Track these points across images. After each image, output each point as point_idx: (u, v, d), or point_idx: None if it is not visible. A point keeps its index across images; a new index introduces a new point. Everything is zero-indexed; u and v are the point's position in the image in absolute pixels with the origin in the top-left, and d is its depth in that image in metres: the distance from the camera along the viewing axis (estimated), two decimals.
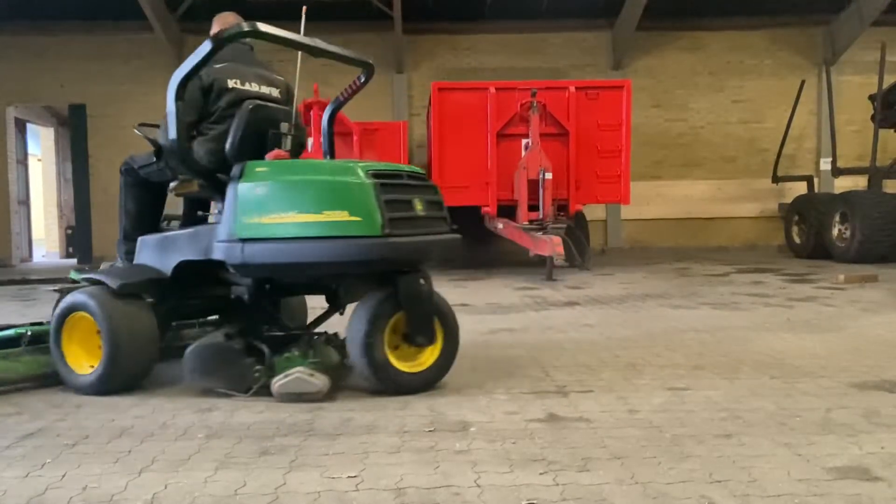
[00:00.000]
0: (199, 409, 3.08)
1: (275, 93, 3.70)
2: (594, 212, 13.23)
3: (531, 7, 13.55)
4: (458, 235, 3.58)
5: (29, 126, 15.75)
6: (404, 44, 13.64)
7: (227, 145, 3.36)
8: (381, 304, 3.22)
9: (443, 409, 3.06)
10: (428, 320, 3.30)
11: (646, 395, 3.24)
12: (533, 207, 9.33)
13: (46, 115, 16.09)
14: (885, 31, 12.99)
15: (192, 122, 3.45)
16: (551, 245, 8.32)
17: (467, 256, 10.61)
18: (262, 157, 3.38)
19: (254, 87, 3.58)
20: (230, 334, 3.32)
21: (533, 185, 9.29)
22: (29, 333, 3.64)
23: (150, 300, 3.51)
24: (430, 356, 3.37)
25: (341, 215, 3.04)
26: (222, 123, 3.43)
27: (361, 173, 3.11)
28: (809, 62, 14.35)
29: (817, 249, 11.23)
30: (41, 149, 17.19)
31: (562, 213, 9.63)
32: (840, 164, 12.22)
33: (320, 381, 3.12)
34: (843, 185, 12.67)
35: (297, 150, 3.77)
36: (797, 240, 12.00)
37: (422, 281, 3.27)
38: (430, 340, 3.32)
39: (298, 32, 3.44)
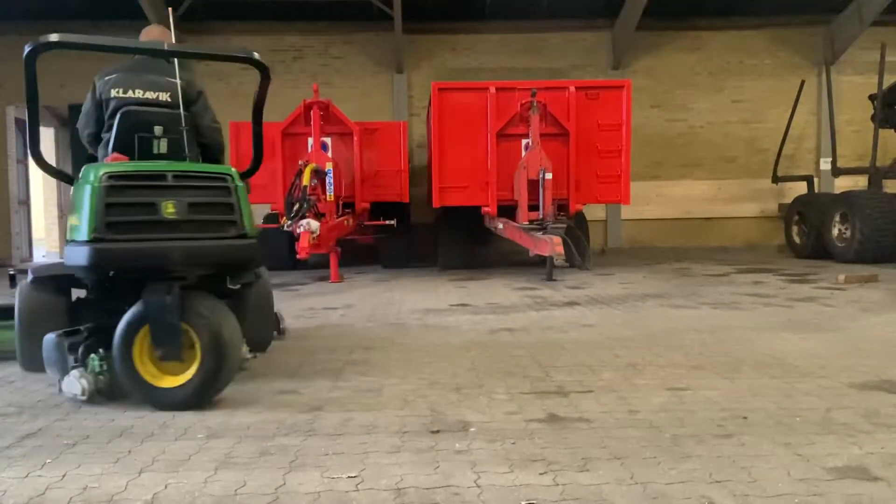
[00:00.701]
0: (199, 409, 3.08)
1: (163, 97, 3.72)
2: (594, 212, 13.22)
3: (531, 7, 13.53)
4: (245, 241, 3.30)
5: None
6: (404, 44, 13.61)
7: (108, 151, 3.51)
8: (133, 313, 3.11)
9: (443, 409, 3.06)
10: (169, 333, 3.09)
11: (646, 395, 3.24)
12: (533, 207, 9.31)
13: (46, 115, 16.05)
14: (885, 31, 12.98)
15: (95, 132, 3.73)
16: (551, 245, 8.31)
17: (467, 256, 10.62)
18: (138, 160, 3.42)
19: (137, 94, 3.66)
20: (73, 331, 3.31)
21: (533, 185, 9.27)
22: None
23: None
24: (189, 372, 3.15)
25: (74, 219, 3.11)
26: (110, 131, 3.59)
27: (93, 176, 3.04)
28: (809, 62, 14.33)
29: (817, 249, 11.22)
30: (41, 149, 17.16)
31: (562, 213, 9.61)
32: (840, 164, 12.20)
33: (84, 385, 3.09)
34: (843, 185, 12.65)
35: (208, 152, 3.89)
36: (797, 240, 11.99)
37: (165, 290, 3.08)
38: (171, 355, 3.12)
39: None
